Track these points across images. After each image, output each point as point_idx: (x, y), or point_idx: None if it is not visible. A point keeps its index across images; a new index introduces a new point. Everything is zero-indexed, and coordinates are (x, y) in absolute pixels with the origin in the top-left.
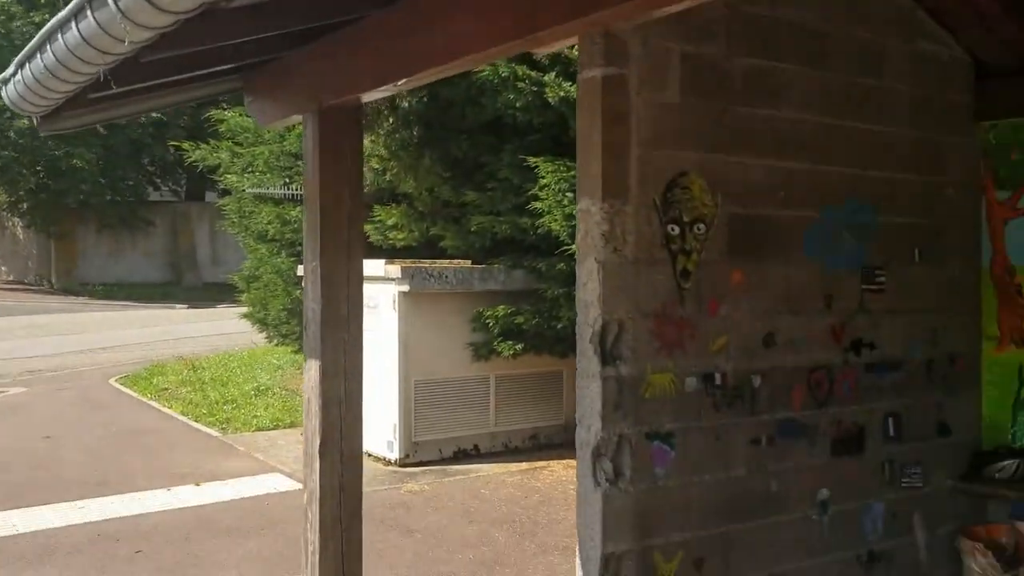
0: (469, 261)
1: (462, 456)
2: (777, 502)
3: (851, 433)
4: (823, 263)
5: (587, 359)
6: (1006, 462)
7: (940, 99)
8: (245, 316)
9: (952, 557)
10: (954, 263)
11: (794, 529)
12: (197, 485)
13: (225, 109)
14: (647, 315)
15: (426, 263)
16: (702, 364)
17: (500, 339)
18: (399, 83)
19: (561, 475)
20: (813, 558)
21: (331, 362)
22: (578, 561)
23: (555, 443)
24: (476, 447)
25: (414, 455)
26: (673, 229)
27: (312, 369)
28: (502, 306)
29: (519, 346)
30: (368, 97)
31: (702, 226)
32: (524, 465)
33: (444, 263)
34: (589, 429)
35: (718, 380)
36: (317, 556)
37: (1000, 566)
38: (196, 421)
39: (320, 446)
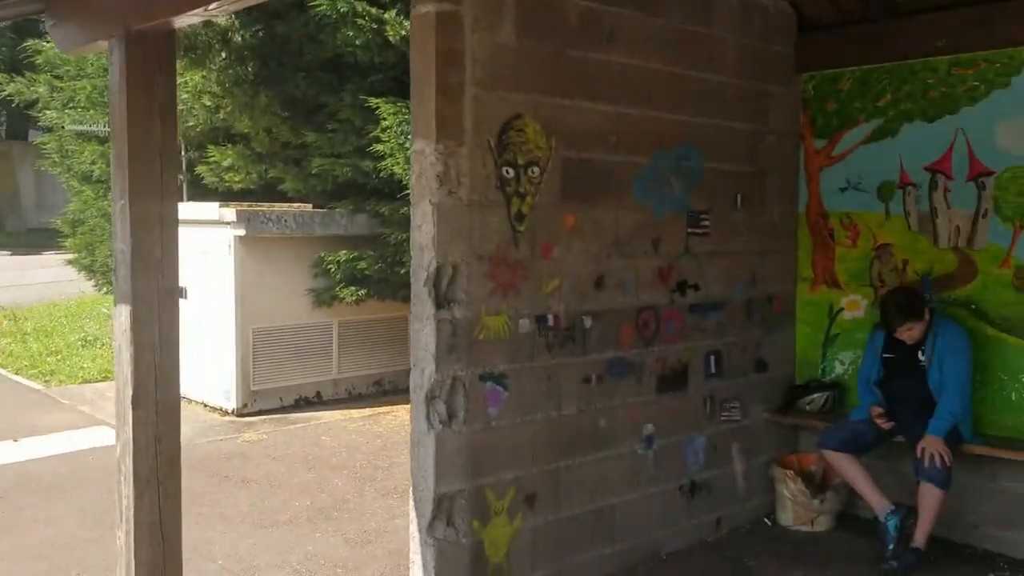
0: (310, 205)
1: (304, 404)
2: (605, 438)
3: (675, 371)
4: (652, 208)
5: (421, 302)
6: (816, 395)
7: (765, 49)
8: (71, 263)
9: (767, 485)
10: (773, 208)
11: (621, 463)
12: (15, 441)
13: (48, 41)
14: (482, 258)
15: (264, 206)
16: (535, 306)
17: (342, 285)
18: (211, 7)
19: (404, 419)
20: (639, 490)
21: (144, 307)
22: (412, 502)
23: (400, 388)
24: (319, 394)
25: (253, 404)
26: (508, 171)
27: (122, 315)
28: (344, 251)
29: (362, 292)
30: (180, 22)
31: (536, 169)
32: (367, 411)
33: (283, 206)
34: (423, 372)
35: (550, 321)
36: (132, 510)
37: (809, 491)
38: (16, 374)
39: (132, 396)
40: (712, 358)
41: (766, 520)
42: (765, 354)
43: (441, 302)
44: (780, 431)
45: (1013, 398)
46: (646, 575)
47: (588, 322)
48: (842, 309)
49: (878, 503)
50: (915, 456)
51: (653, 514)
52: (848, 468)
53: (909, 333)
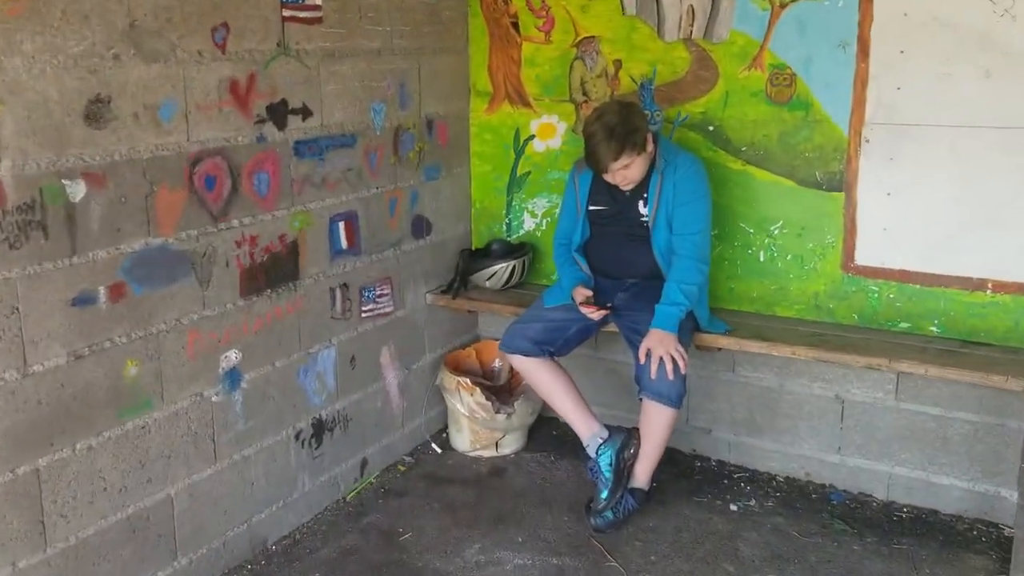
0: None
1: None
2: (140, 395)
3: (277, 254)
4: None
5: None
6: (498, 266)
7: None
8: None
9: (435, 395)
10: None
11: (180, 426)
12: None
13: None
14: None
15: None
16: None
17: None
18: None
19: None
20: (220, 460)
21: None
22: None
23: None
24: None
25: None
26: None
27: None
28: None
29: None
30: None
31: None
32: None
33: None
34: None
35: None
36: None
37: (491, 404)
38: None
39: None
40: (341, 226)
41: (434, 446)
42: (426, 209)
43: None
44: (452, 318)
45: (761, 259)
46: None
47: (78, 192)
48: (532, 137)
49: (586, 429)
50: (635, 359)
51: (250, 490)
52: (543, 379)
53: (625, 173)
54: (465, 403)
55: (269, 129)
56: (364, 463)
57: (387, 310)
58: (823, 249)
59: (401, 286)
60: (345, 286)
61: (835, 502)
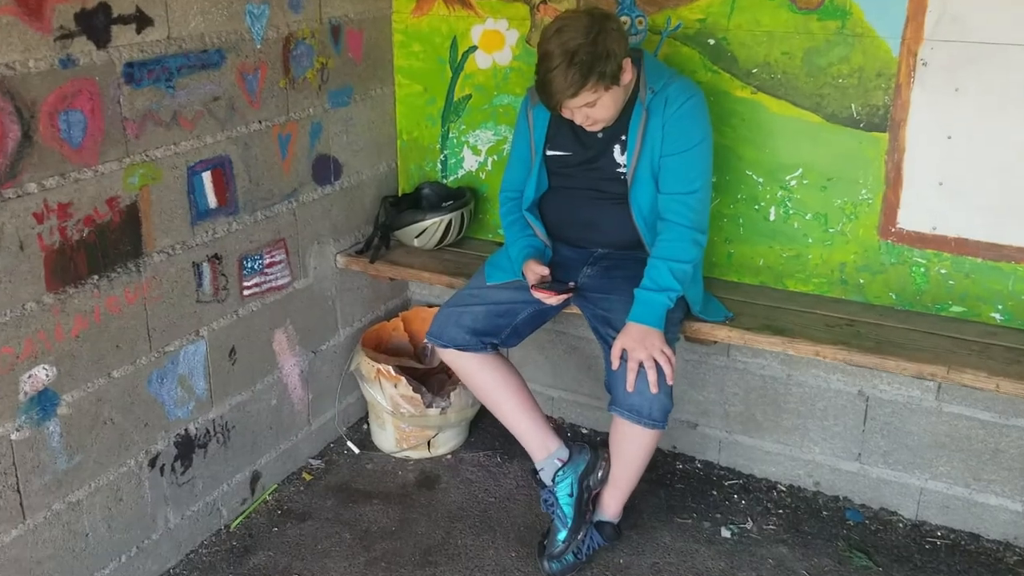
0: None
1: None
2: None
3: (103, 226)
4: None
5: None
6: (429, 221)
7: None
8: None
9: (351, 382)
10: None
11: None
12: None
13: None
14: None
15: None
16: None
17: None
18: None
19: None
20: (32, 517)
21: None
22: None
23: None
24: None
25: None
26: None
27: None
28: None
29: None
30: None
31: None
32: None
33: None
34: None
35: None
36: None
37: (422, 395)
38: None
39: None
40: (206, 177)
41: (350, 444)
42: (333, 146)
43: None
44: (372, 282)
45: (771, 217)
46: None
47: None
48: (475, 48)
49: (540, 449)
50: (606, 362)
51: (84, 544)
52: (485, 381)
53: (589, 112)
54: (388, 395)
55: (82, 47)
56: (255, 478)
57: (281, 282)
58: (855, 207)
59: (301, 249)
60: (217, 257)
61: (852, 522)
